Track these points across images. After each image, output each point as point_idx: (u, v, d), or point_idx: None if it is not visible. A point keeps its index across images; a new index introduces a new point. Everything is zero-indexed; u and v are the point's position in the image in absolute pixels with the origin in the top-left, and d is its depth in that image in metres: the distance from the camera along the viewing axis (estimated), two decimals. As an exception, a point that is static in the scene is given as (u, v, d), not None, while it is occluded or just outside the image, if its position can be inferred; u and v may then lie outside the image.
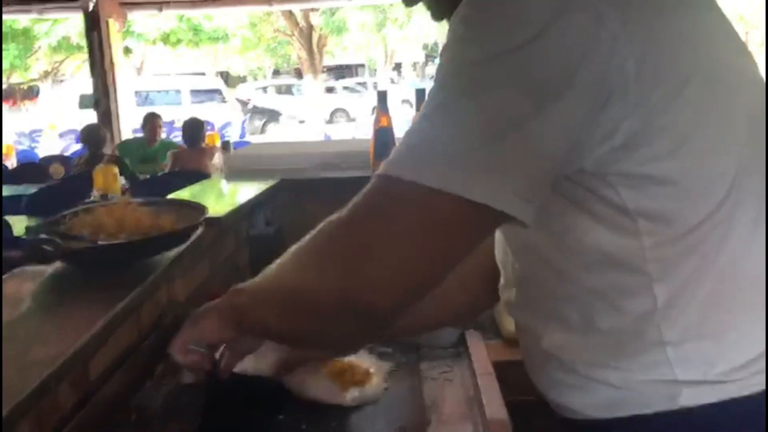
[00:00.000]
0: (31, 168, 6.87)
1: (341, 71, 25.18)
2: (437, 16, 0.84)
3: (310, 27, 17.13)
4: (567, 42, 0.65)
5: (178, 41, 16.24)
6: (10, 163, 7.75)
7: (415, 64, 25.32)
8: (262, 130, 18.07)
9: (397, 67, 24.76)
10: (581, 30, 0.65)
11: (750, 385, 0.74)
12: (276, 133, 16.92)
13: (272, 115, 18.73)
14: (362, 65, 24.90)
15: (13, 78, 18.49)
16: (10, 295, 0.98)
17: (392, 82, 22.36)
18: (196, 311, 0.87)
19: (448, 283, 0.73)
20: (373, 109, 2.10)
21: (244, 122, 16.73)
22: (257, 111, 18.86)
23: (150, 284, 1.08)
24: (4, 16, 8.75)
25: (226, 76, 22.68)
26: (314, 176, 2.05)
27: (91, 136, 5.69)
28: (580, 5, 0.66)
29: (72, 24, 14.17)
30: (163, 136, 7.06)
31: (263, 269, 0.81)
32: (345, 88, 22.17)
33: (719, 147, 0.72)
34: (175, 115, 12.71)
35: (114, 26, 7.73)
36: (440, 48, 0.74)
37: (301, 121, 17.77)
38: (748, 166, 0.74)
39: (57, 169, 6.05)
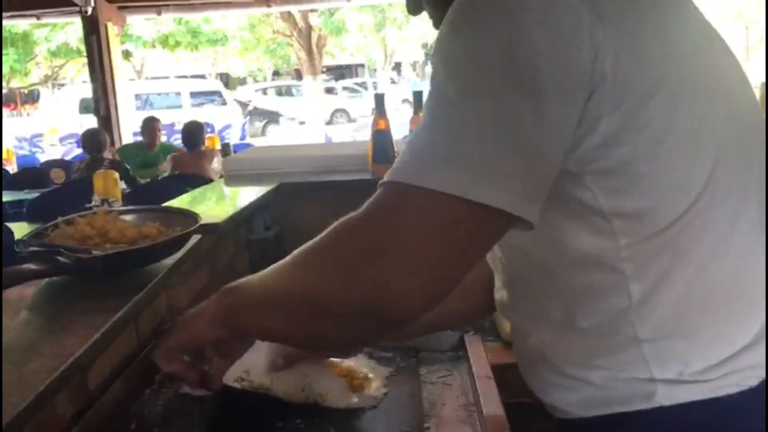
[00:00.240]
0: (32, 173, 6.88)
1: (341, 72, 25.21)
2: (438, 24, 0.85)
3: (309, 28, 17.13)
4: (553, 42, 0.66)
5: (177, 44, 16.26)
6: (11, 168, 7.76)
7: (414, 64, 25.33)
8: (263, 132, 18.08)
9: (397, 66, 24.77)
10: (565, 30, 0.67)
11: (726, 386, 0.75)
12: (277, 135, 16.95)
13: (272, 117, 18.75)
14: (362, 65, 24.92)
15: (13, 83, 18.51)
16: (6, 305, 0.98)
17: (392, 81, 22.39)
18: (183, 315, 0.86)
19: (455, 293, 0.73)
20: (373, 109, 2.10)
21: (244, 124, 16.75)
22: (257, 113, 18.87)
23: (148, 292, 1.08)
24: (3, 21, 8.74)
25: (225, 78, 22.72)
26: (313, 180, 2.05)
27: (91, 141, 5.69)
28: (562, 7, 0.67)
29: (71, 28, 14.19)
30: (163, 139, 7.06)
31: None
32: (345, 88, 22.20)
33: (694, 146, 0.73)
34: (175, 118, 12.73)
35: (113, 30, 7.74)
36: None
37: (302, 123, 17.78)
38: (725, 164, 0.75)
39: (57, 173, 6.07)
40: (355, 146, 2.56)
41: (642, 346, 0.76)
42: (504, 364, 1.26)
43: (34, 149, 14.46)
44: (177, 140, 7.92)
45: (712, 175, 0.74)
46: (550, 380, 0.85)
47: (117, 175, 3.73)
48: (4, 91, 17.75)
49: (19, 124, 16.67)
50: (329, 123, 18.10)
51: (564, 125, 0.68)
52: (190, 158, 5.72)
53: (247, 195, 1.88)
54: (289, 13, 16.08)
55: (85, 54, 8.29)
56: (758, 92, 3.68)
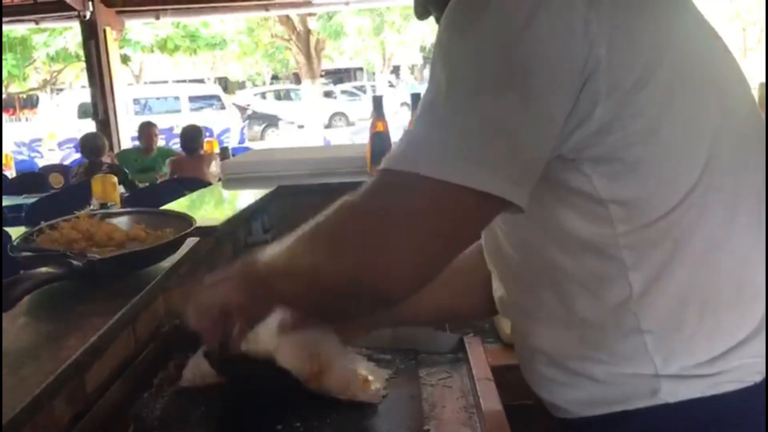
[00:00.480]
0: (31, 178, 6.88)
1: (339, 75, 25.23)
2: None
3: (308, 32, 17.14)
4: (546, 33, 0.68)
5: (176, 48, 16.27)
6: (10, 173, 7.76)
7: (413, 67, 25.33)
8: (262, 136, 18.08)
9: (395, 70, 24.78)
10: (558, 20, 0.68)
11: (728, 381, 0.76)
12: (275, 139, 16.95)
13: (271, 121, 18.75)
14: (360, 69, 24.94)
15: (11, 88, 18.52)
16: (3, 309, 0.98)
17: (390, 85, 22.39)
18: (209, 277, 0.90)
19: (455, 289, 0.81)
20: (372, 112, 2.10)
21: (243, 128, 16.75)
22: (256, 117, 18.87)
23: (146, 295, 1.08)
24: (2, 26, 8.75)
25: (224, 83, 22.73)
26: (311, 182, 2.04)
27: (90, 145, 5.69)
28: None
29: (70, 33, 14.20)
30: (161, 143, 7.07)
31: None
32: (343, 92, 22.21)
33: (689, 137, 0.74)
34: (173, 122, 12.72)
35: (111, 35, 7.75)
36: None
37: (300, 126, 17.78)
38: (721, 157, 0.76)
39: (56, 178, 6.06)
40: (353, 149, 2.56)
41: (645, 338, 0.76)
42: (504, 366, 1.25)
43: (32, 154, 14.45)
44: (176, 144, 7.92)
45: (707, 166, 0.74)
46: (550, 377, 0.85)
47: (116, 179, 3.73)
48: (3, 96, 17.75)
49: (17, 129, 16.67)
50: (328, 126, 18.10)
51: (555, 113, 0.70)
52: (189, 162, 5.72)
53: (246, 198, 1.87)
54: (288, 16, 16.09)
55: (83, 59, 8.29)
56: (756, 93, 3.68)
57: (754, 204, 0.78)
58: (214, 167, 5.52)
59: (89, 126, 8.30)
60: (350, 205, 0.75)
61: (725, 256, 0.77)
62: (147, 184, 5.57)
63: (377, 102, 2.08)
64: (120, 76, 8.16)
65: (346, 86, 23.22)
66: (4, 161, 7.79)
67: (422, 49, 20.39)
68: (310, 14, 15.75)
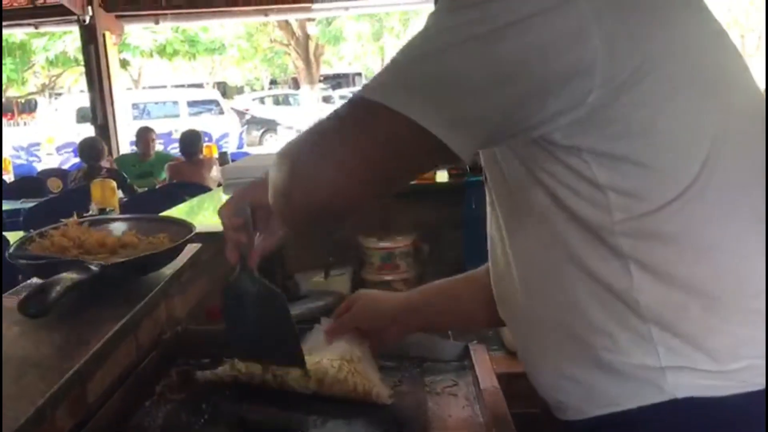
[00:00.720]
0: (29, 182, 6.87)
1: (338, 81, 25.24)
2: None
3: (307, 37, 17.16)
4: (545, 27, 0.68)
5: (175, 53, 16.27)
6: (8, 177, 7.74)
7: (411, 73, 25.33)
8: (260, 141, 18.08)
9: (394, 75, 24.77)
10: (557, 14, 0.68)
11: (737, 381, 0.75)
12: (274, 144, 16.94)
13: (270, 126, 18.74)
14: (359, 74, 24.95)
15: (10, 92, 18.51)
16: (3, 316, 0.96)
17: (389, 90, 22.38)
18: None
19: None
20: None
21: (241, 133, 16.75)
22: (255, 121, 18.87)
23: (148, 302, 1.07)
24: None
25: (223, 87, 22.73)
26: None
27: (88, 150, 5.67)
28: None
29: (69, 37, 14.21)
30: (159, 148, 7.06)
31: None
32: (342, 97, 22.20)
33: (690, 130, 0.75)
34: (172, 127, 12.72)
35: (110, 39, 7.74)
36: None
37: (299, 131, 17.76)
38: (722, 154, 0.76)
39: (55, 182, 6.05)
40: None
41: (649, 328, 0.76)
42: (509, 374, 1.24)
43: (31, 158, 14.43)
44: (174, 149, 7.91)
45: (707, 163, 0.75)
46: (557, 375, 0.85)
47: (114, 184, 3.71)
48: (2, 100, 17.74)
49: (16, 134, 16.64)
50: (327, 131, 18.09)
51: (526, 87, 0.70)
52: (188, 167, 5.71)
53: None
54: (287, 22, 16.12)
55: (82, 63, 8.29)
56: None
57: (756, 202, 0.78)
58: (215, 172, 5.51)
59: (88, 130, 8.29)
60: (318, 121, 0.77)
61: (725, 250, 0.77)
62: (146, 189, 5.56)
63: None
64: (119, 80, 8.16)
65: (345, 92, 23.21)
66: (2, 165, 7.78)
67: (421, 54, 20.38)
68: (309, 19, 15.75)
